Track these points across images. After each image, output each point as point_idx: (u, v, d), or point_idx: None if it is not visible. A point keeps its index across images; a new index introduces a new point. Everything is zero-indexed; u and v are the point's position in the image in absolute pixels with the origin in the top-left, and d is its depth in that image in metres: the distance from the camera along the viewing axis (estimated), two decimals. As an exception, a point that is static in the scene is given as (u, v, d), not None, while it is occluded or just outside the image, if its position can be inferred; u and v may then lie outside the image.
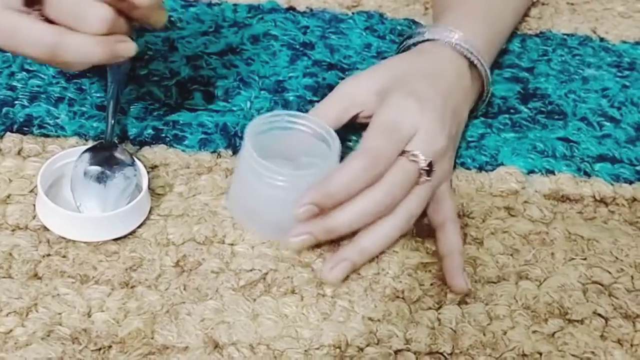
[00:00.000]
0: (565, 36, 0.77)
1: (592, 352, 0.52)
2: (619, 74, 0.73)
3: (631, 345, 0.53)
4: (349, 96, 0.59)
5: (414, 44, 0.63)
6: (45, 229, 0.54)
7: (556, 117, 0.68)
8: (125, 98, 0.63)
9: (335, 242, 0.56)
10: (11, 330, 0.49)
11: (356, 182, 0.53)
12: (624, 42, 0.77)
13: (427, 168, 0.55)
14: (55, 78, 0.65)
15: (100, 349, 0.49)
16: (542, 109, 0.69)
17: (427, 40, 0.62)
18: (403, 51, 0.64)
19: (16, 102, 0.63)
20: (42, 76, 0.65)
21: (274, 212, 0.55)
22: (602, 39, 0.77)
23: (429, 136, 0.56)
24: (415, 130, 0.56)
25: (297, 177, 0.54)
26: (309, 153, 0.57)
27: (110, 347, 0.49)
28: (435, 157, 0.56)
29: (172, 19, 0.72)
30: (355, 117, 0.59)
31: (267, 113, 0.57)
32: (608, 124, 0.68)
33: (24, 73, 0.65)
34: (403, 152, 0.55)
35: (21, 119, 0.62)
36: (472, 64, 0.62)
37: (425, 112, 0.56)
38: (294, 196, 0.53)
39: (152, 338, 0.50)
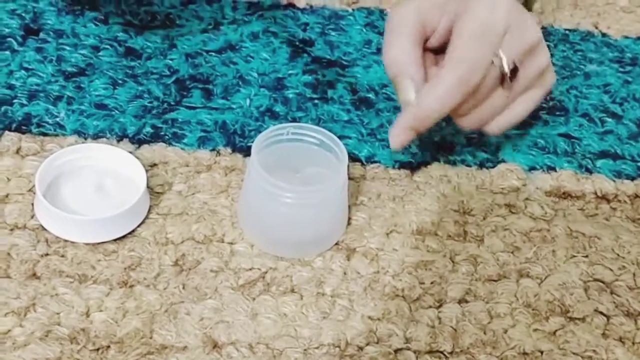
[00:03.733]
0: (567, 31, 0.76)
1: (594, 351, 0.52)
2: (621, 69, 0.73)
3: (633, 343, 0.53)
4: (416, 18, 0.52)
5: None
6: (44, 228, 0.54)
7: (557, 113, 0.68)
8: (123, 96, 0.63)
9: (340, 244, 0.56)
10: (9, 331, 0.49)
11: (451, 96, 0.49)
12: (626, 37, 0.76)
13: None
14: (54, 77, 0.65)
15: (98, 349, 0.49)
16: (544, 104, 0.68)
17: None
18: None
19: (15, 100, 0.63)
20: (41, 75, 0.65)
21: (286, 230, 0.54)
22: (604, 35, 0.76)
23: (521, 30, 0.51)
24: (507, 28, 0.50)
25: (308, 193, 0.53)
26: (315, 163, 0.56)
27: (108, 347, 0.49)
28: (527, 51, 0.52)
29: (171, 16, 0.72)
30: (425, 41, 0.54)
31: (271, 127, 0.55)
32: (610, 120, 0.68)
33: (23, 71, 0.65)
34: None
35: (20, 118, 0.61)
36: None
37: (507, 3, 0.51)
38: (307, 213, 0.52)
39: (151, 338, 0.50)
